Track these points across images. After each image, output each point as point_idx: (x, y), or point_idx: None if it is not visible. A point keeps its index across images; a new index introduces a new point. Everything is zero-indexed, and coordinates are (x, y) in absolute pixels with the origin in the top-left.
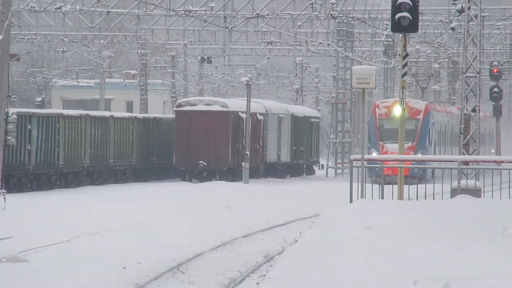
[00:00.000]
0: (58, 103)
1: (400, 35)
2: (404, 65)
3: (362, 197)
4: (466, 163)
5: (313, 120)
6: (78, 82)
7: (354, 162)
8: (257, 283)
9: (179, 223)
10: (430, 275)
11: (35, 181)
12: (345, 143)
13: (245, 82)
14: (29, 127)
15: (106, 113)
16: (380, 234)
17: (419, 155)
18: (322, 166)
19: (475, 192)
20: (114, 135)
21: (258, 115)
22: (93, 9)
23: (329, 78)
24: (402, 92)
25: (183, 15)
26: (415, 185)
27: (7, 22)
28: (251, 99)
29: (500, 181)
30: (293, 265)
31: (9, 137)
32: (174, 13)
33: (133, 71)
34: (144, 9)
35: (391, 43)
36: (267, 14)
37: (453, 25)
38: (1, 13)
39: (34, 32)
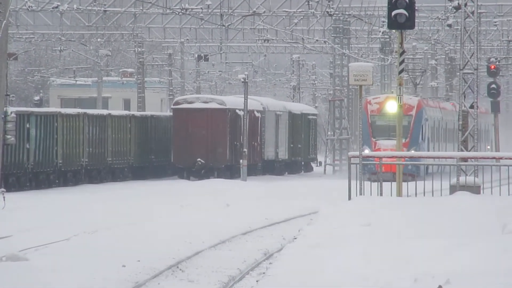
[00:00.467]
0: (56, 101)
1: (397, 32)
2: (401, 62)
3: (360, 194)
4: (465, 159)
5: (310, 117)
6: (76, 80)
7: (352, 159)
8: (256, 281)
9: (177, 220)
10: (430, 272)
11: (34, 180)
12: (342, 140)
13: (242, 80)
14: (27, 126)
15: (104, 112)
16: (379, 231)
17: (413, 151)
18: (320, 163)
19: (474, 189)
20: (112, 133)
21: (255, 113)
22: (90, 8)
23: (326, 75)
24: (400, 88)
25: (180, 13)
26: (414, 182)
27: (4, 21)
28: (248, 96)
29: (499, 177)
30: (292, 262)
31: (8, 136)
32: (171, 11)
33: (130, 69)
34: (141, 8)
35: (388, 40)
36: (264, 12)
37: (449, 21)
38: None
39: (32, 31)
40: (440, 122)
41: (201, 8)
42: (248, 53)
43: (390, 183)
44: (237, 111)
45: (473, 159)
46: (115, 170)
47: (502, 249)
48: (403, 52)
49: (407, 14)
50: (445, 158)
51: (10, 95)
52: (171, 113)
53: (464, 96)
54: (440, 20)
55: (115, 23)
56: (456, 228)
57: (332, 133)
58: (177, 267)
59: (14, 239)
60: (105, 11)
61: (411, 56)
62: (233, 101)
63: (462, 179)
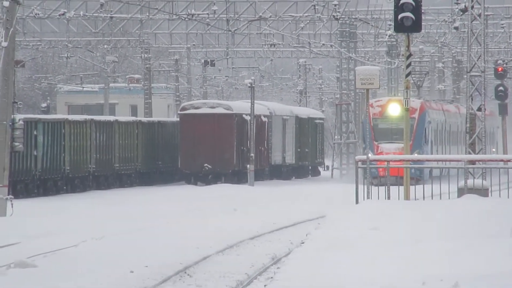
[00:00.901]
0: (63, 108)
1: (404, 35)
2: (408, 65)
3: (368, 197)
4: (472, 162)
5: (317, 121)
6: (83, 87)
7: (359, 163)
8: (264, 286)
9: (185, 226)
10: (439, 275)
11: (42, 187)
12: (349, 143)
13: (249, 85)
14: (35, 133)
15: (111, 118)
16: (387, 234)
17: (416, 154)
18: (327, 167)
19: (483, 192)
20: (119, 139)
21: (262, 117)
22: (96, 14)
23: (333, 79)
24: (407, 92)
25: (186, 19)
26: (421, 185)
27: (12, 29)
28: (255, 101)
29: (508, 180)
30: (300, 267)
31: (16, 143)
32: (177, 17)
33: (137, 76)
34: (147, 14)
35: (395, 43)
36: (270, 17)
37: (456, 24)
38: (6, 20)
39: (39, 38)
40: (444, 125)
41: (207, 14)
42: (254, 58)
43: (397, 186)
44: (244, 116)
45: (481, 162)
46: (123, 176)
47: (510, 252)
48: (410, 55)
49: (413, 17)
50: (453, 161)
51: (18, 103)
52: (178, 119)
53: (472, 99)
54: (447, 23)
55: (121, 30)
56: (465, 231)
57: (339, 137)
58: (185, 272)
59: (22, 245)
60: (111, 17)
61: (418, 59)
62: (240, 106)
63: (470, 182)
